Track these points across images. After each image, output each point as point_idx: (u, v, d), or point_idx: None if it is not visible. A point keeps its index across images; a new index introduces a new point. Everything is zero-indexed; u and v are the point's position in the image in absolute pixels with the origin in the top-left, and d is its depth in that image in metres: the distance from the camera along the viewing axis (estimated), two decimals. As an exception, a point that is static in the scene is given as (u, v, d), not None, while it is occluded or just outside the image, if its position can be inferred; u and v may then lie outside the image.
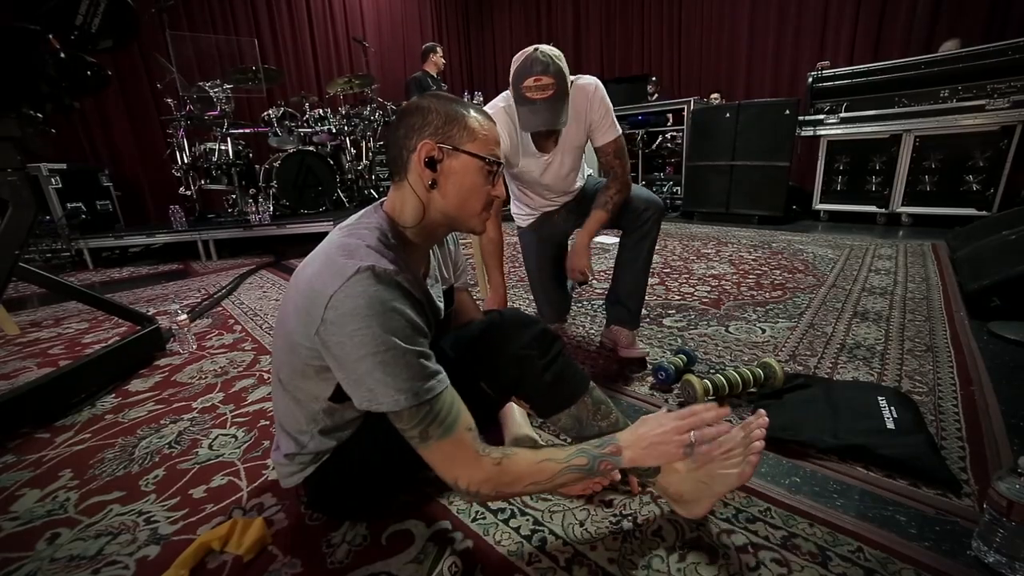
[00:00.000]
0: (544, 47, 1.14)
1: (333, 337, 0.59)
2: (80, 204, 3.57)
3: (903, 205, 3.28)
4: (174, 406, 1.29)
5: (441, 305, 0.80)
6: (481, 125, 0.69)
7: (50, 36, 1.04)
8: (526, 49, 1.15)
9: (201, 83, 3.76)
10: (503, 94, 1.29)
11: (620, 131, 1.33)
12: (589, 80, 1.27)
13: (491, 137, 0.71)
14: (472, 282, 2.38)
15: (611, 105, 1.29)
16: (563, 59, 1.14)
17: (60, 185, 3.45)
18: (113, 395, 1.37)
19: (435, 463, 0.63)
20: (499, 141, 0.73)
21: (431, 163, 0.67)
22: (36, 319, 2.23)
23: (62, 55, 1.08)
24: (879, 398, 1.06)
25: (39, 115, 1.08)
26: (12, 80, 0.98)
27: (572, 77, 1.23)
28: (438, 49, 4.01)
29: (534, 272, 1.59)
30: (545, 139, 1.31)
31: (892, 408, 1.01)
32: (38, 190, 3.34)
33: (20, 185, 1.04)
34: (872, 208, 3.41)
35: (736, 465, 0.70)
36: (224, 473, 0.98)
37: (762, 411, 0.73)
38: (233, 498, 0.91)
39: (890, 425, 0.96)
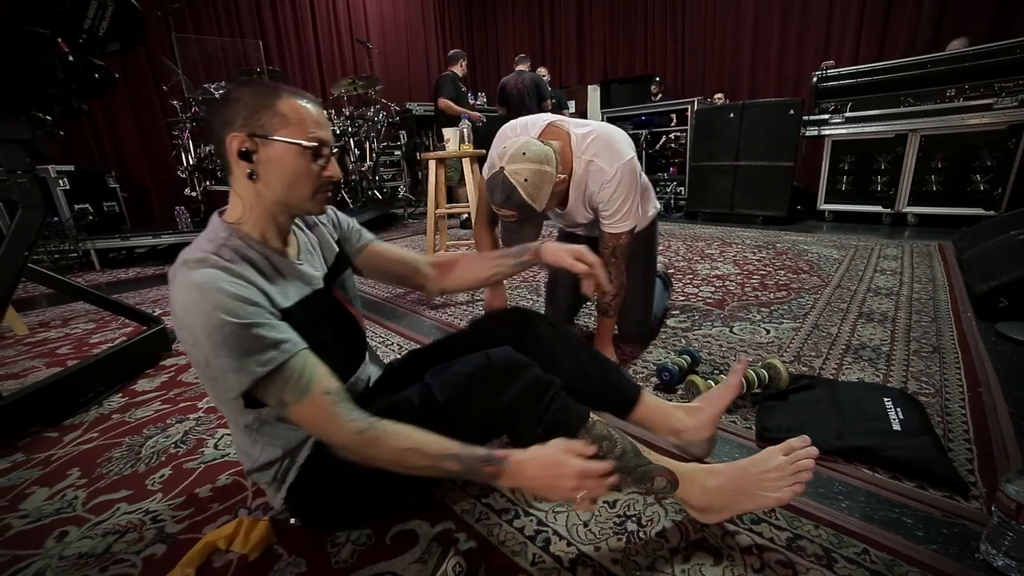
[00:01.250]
0: (513, 166, 0.98)
1: (186, 343, 0.61)
2: (87, 205, 3.60)
3: (909, 205, 3.26)
4: (180, 405, 1.30)
5: (317, 273, 0.78)
6: (294, 109, 0.66)
7: (58, 39, 1.06)
8: (495, 160, 1.04)
9: (206, 85, 3.79)
10: (523, 123, 1.23)
11: (632, 226, 1.20)
12: (611, 167, 1.12)
13: (307, 119, 0.67)
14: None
15: (629, 195, 1.15)
16: (535, 172, 0.98)
17: (68, 187, 3.48)
18: (120, 395, 1.38)
19: (301, 425, 0.66)
20: (320, 121, 0.69)
21: (246, 155, 0.65)
22: (44, 319, 2.25)
23: (70, 58, 1.09)
24: (885, 399, 1.06)
25: (48, 117, 1.10)
26: (22, 83, 0.99)
27: (593, 153, 1.13)
28: (464, 56, 4.15)
29: (549, 274, 1.65)
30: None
31: (898, 409, 1.01)
32: (46, 192, 3.37)
33: (30, 187, 1.06)
34: (877, 208, 3.39)
35: (775, 488, 0.70)
36: (230, 472, 0.99)
37: (807, 437, 0.73)
38: (238, 497, 0.91)
39: (896, 426, 0.96)
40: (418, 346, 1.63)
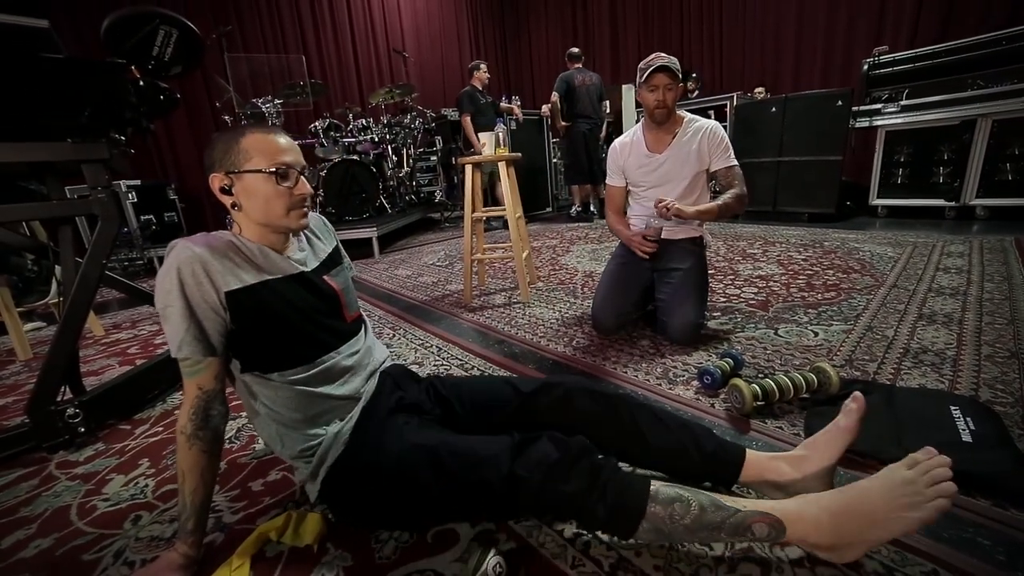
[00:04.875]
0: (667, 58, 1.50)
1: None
2: (151, 216, 3.91)
3: (978, 197, 3.00)
4: (233, 403, 1.38)
5: (309, 263, 0.88)
6: (256, 141, 0.77)
7: (132, 67, 1.16)
8: (650, 59, 1.50)
9: (254, 100, 4.01)
10: (626, 135, 1.70)
11: (736, 163, 1.55)
12: (710, 122, 1.56)
13: (269, 148, 0.77)
14: (512, 285, 2.38)
15: (728, 143, 1.55)
16: (676, 63, 1.50)
17: (135, 199, 3.79)
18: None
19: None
20: (284, 148, 0.78)
21: (226, 190, 0.78)
22: (116, 321, 2.46)
23: (140, 83, 1.19)
24: (952, 407, 0.98)
25: (122, 138, 1.21)
26: (104, 109, 1.10)
27: (695, 117, 1.58)
28: (481, 66, 4.20)
29: (606, 275, 1.71)
30: (659, 131, 1.57)
31: (968, 419, 0.93)
32: (118, 205, 3.69)
33: (108, 201, 1.17)
34: (939, 202, 3.15)
35: (913, 507, 0.60)
36: (279, 468, 1.05)
37: (930, 448, 0.64)
38: (287, 492, 0.96)
39: (966, 438, 0.89)
40: (459, 350, 1.66)
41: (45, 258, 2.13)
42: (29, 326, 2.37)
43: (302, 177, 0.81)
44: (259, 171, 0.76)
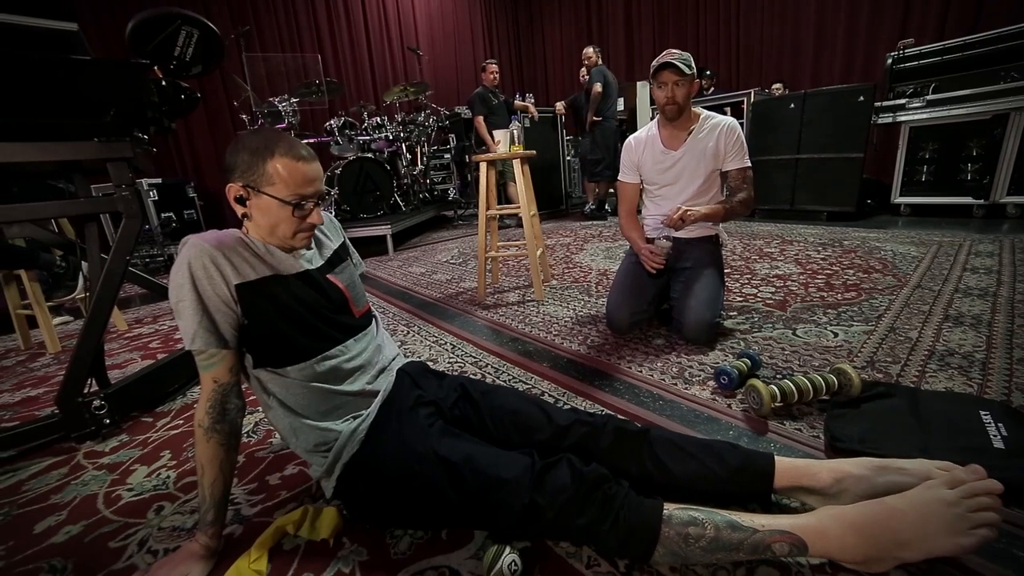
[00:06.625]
0: (676, 51, 1.48)
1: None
2: (171, 214, 4.00)
3: (1009, 195, 2.89)
4: (251, 398, 1.40)
5: (314, 262, 0.89)
6: (283, 168, 0.75)
7: (155, 67, 1.19)
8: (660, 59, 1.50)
9: (271, 99, 4.06)
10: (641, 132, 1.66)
11: (749, 165, 1.54)
12: (727, 119, 1.54)
13: (293, 179, 0.76)
14: (527, 283, 2.38)
15: (744, 143, 1.53)
16: (688, 55, 1.48)
17: (156, 197, 3.88)
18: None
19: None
20: (309, 180, 0.78)
21: (241, 200, 0.79)
22: (139, 316, 2.52)
23: (163, 83, 1.22)
24: (982, 412, 0.95)
25: (145, 137, 1.24)
26: (128, 108, 1.12)
27: (711, 114, 1.56)
28: (488, 65, 4.22)
29: (621, 273, 1.69)
30: (674, 128, 1.55)
31: (1000, 425, 0.90)
32: (141, 202, 3.79)
33: (131, 199, 1.20)
34: (967, 200, 3.05)
35: (951, 531, 0.58)
36: (295, 463, 1.06)
37: (979, 468, 0.61)
38: (303, 487, 0.98)
39: (998, 444, 0.86)
40: (474, 348, 1.67)
41: (72, 254, 2.20)
42: (57, 320, 2.44)
43: (317, 207, 0.81)
44: (278, 199, 0.76)
